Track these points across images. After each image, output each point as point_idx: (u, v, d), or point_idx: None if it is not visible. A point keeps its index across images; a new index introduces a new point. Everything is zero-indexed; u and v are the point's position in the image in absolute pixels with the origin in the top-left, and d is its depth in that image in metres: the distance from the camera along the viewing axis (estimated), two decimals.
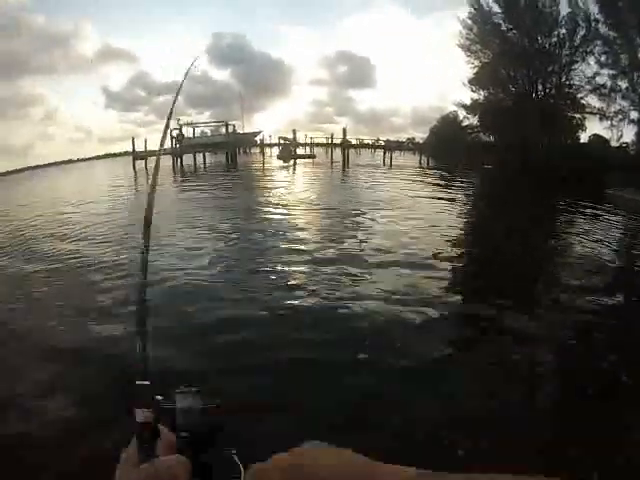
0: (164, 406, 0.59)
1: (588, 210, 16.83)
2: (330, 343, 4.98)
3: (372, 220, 12.62)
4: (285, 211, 14.43)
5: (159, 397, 0.58)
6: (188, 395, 0.61)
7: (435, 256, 8.89)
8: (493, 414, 3.79)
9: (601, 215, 16.19)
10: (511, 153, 29.50)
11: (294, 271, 7.77)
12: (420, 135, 47.93)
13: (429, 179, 26.74)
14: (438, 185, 23.58)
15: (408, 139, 49.17)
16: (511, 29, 33.56)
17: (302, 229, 11.43)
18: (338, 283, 7.09)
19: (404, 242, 10.10)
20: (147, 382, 0.58)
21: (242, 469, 0.57)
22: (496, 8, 34.06)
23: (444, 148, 36.12)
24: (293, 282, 7.17)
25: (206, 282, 7.19)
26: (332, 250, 9.07)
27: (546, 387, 4.49)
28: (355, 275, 7.46)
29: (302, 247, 9.36)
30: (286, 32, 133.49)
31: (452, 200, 18.10)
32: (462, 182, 25.66)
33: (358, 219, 12.67)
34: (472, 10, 34.98)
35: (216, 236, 10.82)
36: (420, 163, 38.60)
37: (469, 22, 35.54)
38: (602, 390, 4.24)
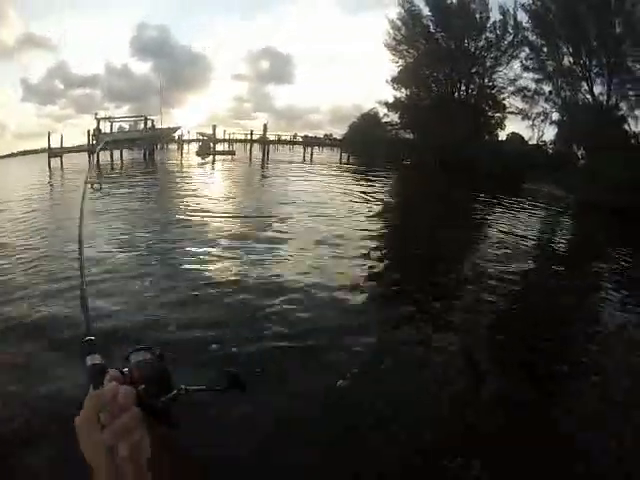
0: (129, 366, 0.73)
1: (505, 202, 18.71)
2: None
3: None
4: (199, 224, 11.66)
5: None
6: (140, 352, 0.75)
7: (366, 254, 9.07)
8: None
9: (517, 206, 18.30)
10: (431, 150, 29.96)
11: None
12: (337, 131, 47.44)
13: (355, 175, 27.48)
14: (365, 181, 23.67)
15: (326, 135, 48.85)
16: (439, 31, 34.26)
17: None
18: None
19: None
20: (92, 337, 0.76)
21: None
22: (426, 11, 34.69)
23: (364, 144, 35.91)
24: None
25: None
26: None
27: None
28: None
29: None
30: (211, 26, 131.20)
31: (377, 195, 18.56)
32: (384, 178, 26.04)
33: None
34: (402, 11, 35.39)
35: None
36: (340, 159, 38.47)
37: (398, 23, 35.82)
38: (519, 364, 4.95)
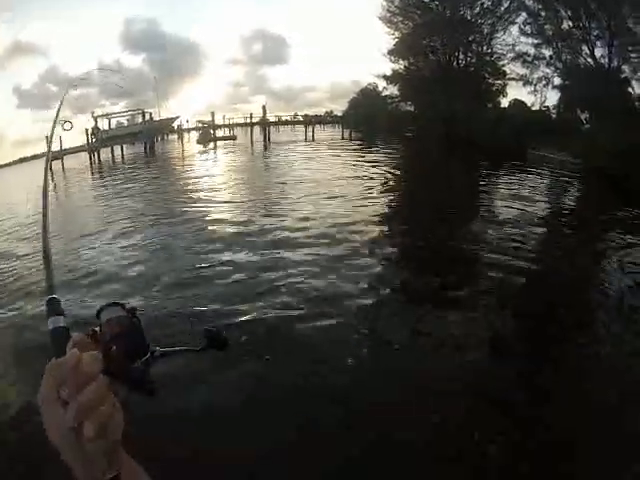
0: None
1: (513, 169, 19.17)
2: None
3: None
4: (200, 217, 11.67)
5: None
6: (111, 307, 0.72)
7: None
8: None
9: (524, 172, 18.70)
10: (433, 121, 29.73)
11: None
12: (338, 107, 47.39)
13: (358, 152, 27.36)
14: (369, 156, 24.06)
15: (326, 112, 48.62)
16: (434, 0, 33.73)
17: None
18: None
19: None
20: (55, 296, 0.66)
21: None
22: None
23: (365, 119, 35.70)
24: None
25: None
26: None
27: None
28: None
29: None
30: (201, 12, 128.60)
31: (384, 170, 18.68)
32: (388, 151, 26.11)
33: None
34: None
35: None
36: (342, 135, 38.41)
37: None
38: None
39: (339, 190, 13.54)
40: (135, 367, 0.69)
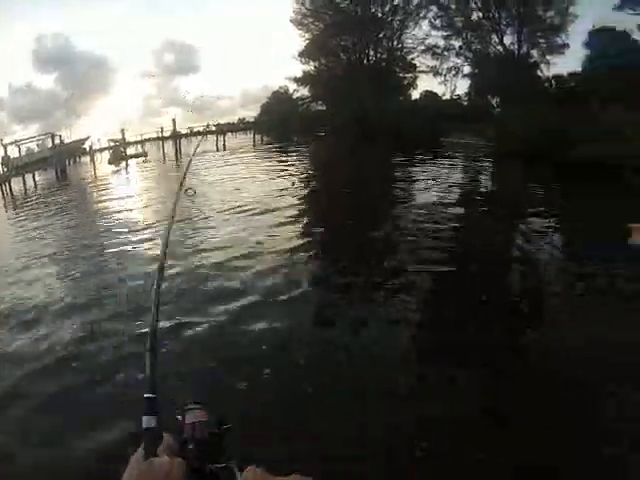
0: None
1: (427, 157, 19.84)
2: None
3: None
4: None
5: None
6: (195, 410, 0.77)
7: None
8: None
9: (438, 159, 19.54)
10: (345, 118, 29.78)
11: None
12: (251, 114, 46.68)
13: (269, 155, 27.17)
14: (277, 160, 23.20)
15: (239, 119, 48.05)
16: (345, 0, 33.99)
17: None
18: None
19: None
20: (153, 395, 0.72)
21: (238, 476, 0.69)
22: None
23: (277, 123, 35.62)
24: None
25: None
26: None
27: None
28: None
29: None
30: (110, 25, 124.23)
31: (292, 170, 18.36)
32: (298, 153, 25.60)
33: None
34: None
35: None
36: (254, 142, 37.59)
37: None
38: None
39: (249, 194, 13.14)
40: (210, 468, 0.70)
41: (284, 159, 22.31)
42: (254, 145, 35.80)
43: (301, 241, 8.33)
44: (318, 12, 34.67)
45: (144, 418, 0.70)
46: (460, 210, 10.64)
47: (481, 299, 5.48)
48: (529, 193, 13.21)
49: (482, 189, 14.62)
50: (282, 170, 18.01)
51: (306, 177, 16.46)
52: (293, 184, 12.46)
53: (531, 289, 6.14)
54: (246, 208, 11.10)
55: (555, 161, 20.65)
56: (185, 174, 1.72)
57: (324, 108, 36.78)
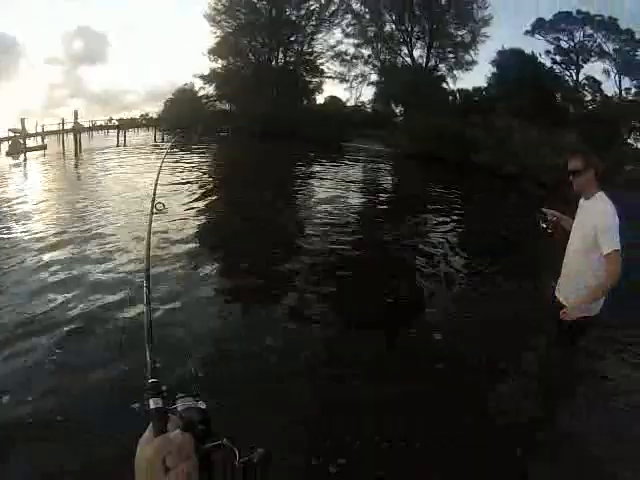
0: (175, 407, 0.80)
1: (327, 161, 19.82)
2: None
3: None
4: None
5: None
6: (185, 398, 0.82)
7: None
8: None
9: (339, 163, 19.84)
10: (250, 119, 29.58)
11: None
12: (154, 110, 45.36)
13: (169, 155, 25.01)
14: (174, 160, 21.74)
15: (142, 115, 46.66)
16: (262, 0, 34.06)
17: None
18: None
19: None
20: (156, 379, 0.79)
21: (237, 452, 0.77)
22: None
23: (179, 120, 34.30)
24: None
25: None
26: None
27: None
28: None
29: None
30: (26, 8, 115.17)
31: (191, 172, 17.11)
32: (201, 152, 24.81)
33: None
34: None
35: None
36: (155, 138, 36.48)
37: None
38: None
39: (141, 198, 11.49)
40: (205, 447, 0.74)
41: (183, 160, 21.48)
42: (155, 142, 34.44)
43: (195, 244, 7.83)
44: (233, 10, 34.36)
45: (151, 400, 0.74)
46: (358, 208, 11.16)
47: (383, 295, 5.72)
48: (427, 192, 14.55)
49: (381, 189, 15.35)
50: (181, 171, 17.18)
51: (204, 182, 15.54)
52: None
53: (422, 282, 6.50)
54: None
55: (453, 165, 22.22)
56: (155, 189, 1.68)
57: (229, 107, 36.51)
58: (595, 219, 3.02)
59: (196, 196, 11.70)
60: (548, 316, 3.58)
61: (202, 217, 9.49)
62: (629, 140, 33.82)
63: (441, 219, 10.29)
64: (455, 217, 10.76)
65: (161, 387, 0.79)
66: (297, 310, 5.24)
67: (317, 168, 17.53)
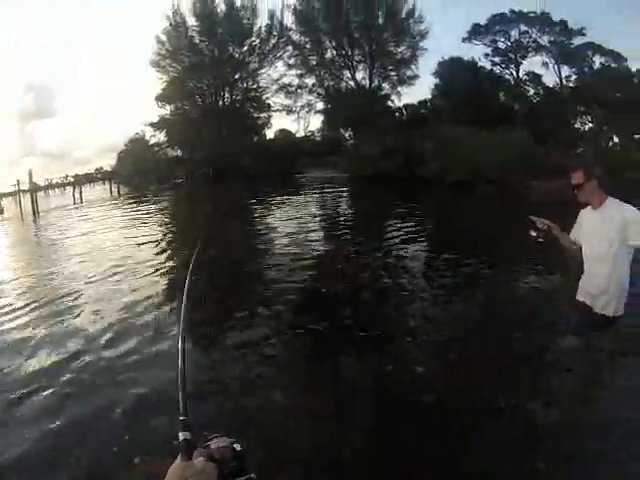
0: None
1: (282, 194, 20.30)
2: None
3: None
4: None
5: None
6: (220, 438, 1.04)
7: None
8: None
9: (294, 195, 20.20)
10: (202, 163, 30.10)
11: None
12: (110, 163, 44.68)
13: (123, 209, 24.86)
14: (132, 213, 21.57)
15: (97, 169, 46.22)
16: (204, 41, 34.35)
17: None
18: None
19: None
20: (186, 417, 0.97)
21: None
22: (192, 21, 34.46)
23: (134, 171, 34.56)
24: None
25: None
26: None
27: None
28: None
29: None
30: None
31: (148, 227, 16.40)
32: (155, 203, 24.46)
33: None
34: (167, 25, 34.69)
35: None
36: (111, 193, 36.11)
37: (163, 37, 34.99)
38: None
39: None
40: None
41: (140, 215, 21.17)
42: (111, 196, 33.95)
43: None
44: (177, 53, 34.57)
45: (180, 434, 0.93)
46: (320, 240, 11.05)
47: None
48: (385, 211, 14.97)
49: (340, 216, 15.38)
50: (140, 225, 16.92)
51: (164, 229, 15.67)
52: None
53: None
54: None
55: (408, 179, 23.75)
56: (193, 260, 1.76)
57: (180, 153, 36.53)
58: (620, 219, 3.23)
59: (158, 251, 11.51)
60: (576, 320, 3.77)
61: (166, 273, 9.20)
62: (576, 125, 35.57)
63: (404, 236, 10.37)
64: (418, 231, 11.07)
65: (190, 423, 0.95)
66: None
67: (273, 205, 17.49)
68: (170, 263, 10.18)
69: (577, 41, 35.94)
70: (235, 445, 1.00)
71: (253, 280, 8.06)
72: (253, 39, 34.29)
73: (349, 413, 3.63)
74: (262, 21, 34.52)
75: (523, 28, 36.38)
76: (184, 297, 1.39)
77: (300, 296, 6.72)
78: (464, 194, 20.23)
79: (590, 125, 36.49)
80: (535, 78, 37.14)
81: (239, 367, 4.58)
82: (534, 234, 3.63)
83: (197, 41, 34.51)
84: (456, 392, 3.79)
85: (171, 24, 34.57)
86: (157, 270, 9.40)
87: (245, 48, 34.29)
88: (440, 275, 7.37)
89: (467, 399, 3.66)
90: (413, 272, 7.43)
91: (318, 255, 9.24)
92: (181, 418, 0.97)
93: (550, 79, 38.07)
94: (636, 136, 35.87)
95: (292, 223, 12.97)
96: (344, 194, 20.91)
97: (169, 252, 11.39)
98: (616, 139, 35.71)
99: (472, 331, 4.94)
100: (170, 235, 14.66)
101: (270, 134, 37.17)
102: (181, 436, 0.93)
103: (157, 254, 10.96)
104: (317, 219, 13.96)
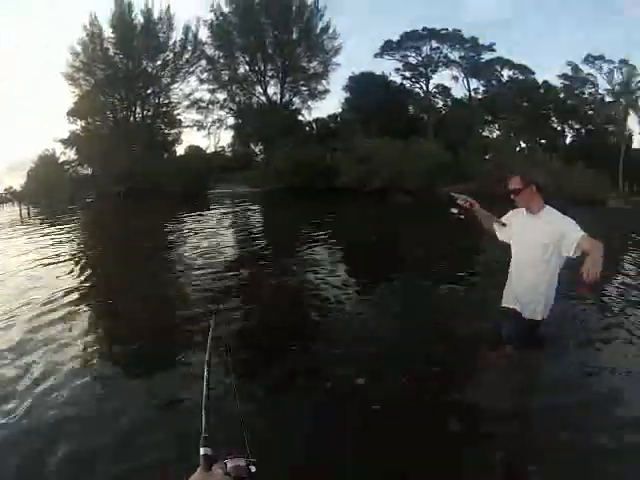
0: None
1: (195, 212, 19.42)
2: None
3: None
4: None
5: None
6: (235, 458, 1.12)
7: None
8: None
9: (206, 212, 19.63)
10: (113, 181, 29.22)
11: None
12: (20, 182, 42.24)
13: (31, 232, 23.54)
14: (41, 238, 20.61)
15: (5, 189, 44.09)
16: (119, 54, 33.49)
17: None
18: None
19: None
20: (207, 435, 1.10)
21: None
22: (109, 32, 33.51)
23: (44, 191, 32.40)
24: None
25: None
26: None
27: None
28: None
29: None
30: None
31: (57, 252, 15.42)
32: (67, 223, 23.62)
33: None
34: (84, 35, 33.55)
35: None
36: (20, 215, 33.93)
37: (78, 48, 33.76)
38: None
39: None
40: None
41: (51, 240, 20.23)
42: (21, 218, 31.94)
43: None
44: (90, 66, 33.35)
45: (201, 449, 1.06)
46: (235, 259, 10.51)
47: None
48: (299, 225, 14.82)
49: (254, 233, 14.98)
50: (50, 250, 16.00)
51: (77, 252, 14.90)
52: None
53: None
54: None
55: (323, 191, 24.91)
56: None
57: (91, 171, 35.24)
58: (557, 229, 3.29)
59: (72, 274, 10.70)
60: (506, 326, 3.71)
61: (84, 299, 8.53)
62: (484, 133, 38.14)
63: (321, 252, 9.95)
64: (334, 243, 10.97)
65: (210, 440, 1.08)
66: None
67: (184, 224, 16.75)
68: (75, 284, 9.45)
69: (487, 56, 38.79)
70: (251, 467, 1.10)
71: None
72: (167, 53, 33.89)
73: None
74: (177, 35, 34.10)
75: (435, 44, 38.78)
76: (210, 333, 1.57)
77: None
78: (379, 203, 21.57)
79: (498, 133, 39.39)
80: (444, 91, 39.96)
81: None
82: (455, 211, 3.63)
83: (112, 53, 33.51)
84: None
85: (88, 34, 33.36)
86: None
87: (159, 62, 33.81)
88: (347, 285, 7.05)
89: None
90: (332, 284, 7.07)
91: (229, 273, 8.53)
92: (203, 435, 1.10)
93: (459, 91, 40.94)
94: (541, 140, 39.32)
95: (202, 240, 12.50)
96: (255, 209, 21.04)
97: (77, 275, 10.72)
98: (523, 144, 38.95)
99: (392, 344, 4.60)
100: (78, 259, 14.07)
101: (180, 150, 36.85)
102: (202, 451, 1.06)
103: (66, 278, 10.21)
104: (228, 236, 13.60)
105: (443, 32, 38.56)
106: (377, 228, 13.85)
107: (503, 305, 3.75)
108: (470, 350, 4.19)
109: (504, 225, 3.72)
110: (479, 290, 6.59)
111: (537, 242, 3.39)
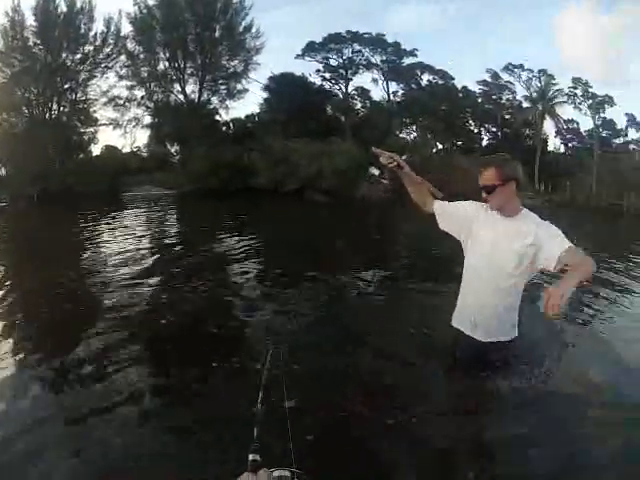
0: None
1: (109, 215, 18.50)
2: None
3: None
4: None
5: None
6: (282, 470, 1.29)
7: None
8: None
9: (120, 215, 18.64)
10: (26, 183, 27.47)
11: None
12: None
13: None
14: None
15: None
16: (39, 44, 31.26)
17: None
18: None
19: None
20: (258, 443, 1.34)
21: None
22: (31, 21, 31.01)
23: None
24: None
25: None
26: None
27: None
28: None
29: None
30: None
31: None
32: None
33: None
34: (5, 21, 30.82)
35: None
36: None
37: None
38: None
39: None
40: None
41: None
42: None
43: None
44: (8, 56, 31.00)
45: (250, 455, 1.27)
46: (152, 266, 8.91)
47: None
48: (216, 227, 14.35)
49: (169, 236, 14.37)
50: None
51: None
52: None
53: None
54: None
55: (240, 191, 25.36)
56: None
57: (4, 172, 32.21)
58: (535, 234, 2.58)
59: None
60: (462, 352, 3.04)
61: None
62: (402, 135, 40.03)
63: (244, 263, 8.75)
64: (254, 244, 10.68)
65: (259, 448, 1.30)
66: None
67: (97, 229, 15.70)
68: None
69: (408, 60, 40.57)
70: (296, 479, 1.18)
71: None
72: (87, 47, 32.35)
73: None
74: (98, 27, 32.60)
75: (357, 47, 39.82)
76: (267, 361, 1.84)
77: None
78: (295, 203, 22.47)
79: (414, 134, 41.79)
80: (363, 93, 41.31)
81: None
82: (376, 172, 3.07)
83: (31, 43, 31.34)
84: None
85: (9, 20, 30.84)
86: None
87: (79, 55, 32.29)
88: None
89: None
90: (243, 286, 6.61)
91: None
92: (253, 444, 1.29)
93: (379, 94, 43.01)
94: (458, 142, 42.13)
95: (116, 244, 11.38)
96: (170, 212, 20.73)
97: None
98: (440, 145, 41.67)
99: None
100: None
101: (96, 150, 35.19)
102: (251, 457, 1.24)
103: None
104: (143, 239, 12.68)
105: (366, 36, 39.87)
106: (291, 227, 14.57)
107: (455, 325, 3.06)
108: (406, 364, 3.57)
109: (440, 199, 3.00)
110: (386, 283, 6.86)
111: (510, 251, 2.69)
